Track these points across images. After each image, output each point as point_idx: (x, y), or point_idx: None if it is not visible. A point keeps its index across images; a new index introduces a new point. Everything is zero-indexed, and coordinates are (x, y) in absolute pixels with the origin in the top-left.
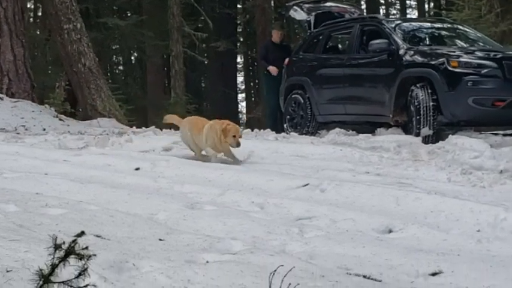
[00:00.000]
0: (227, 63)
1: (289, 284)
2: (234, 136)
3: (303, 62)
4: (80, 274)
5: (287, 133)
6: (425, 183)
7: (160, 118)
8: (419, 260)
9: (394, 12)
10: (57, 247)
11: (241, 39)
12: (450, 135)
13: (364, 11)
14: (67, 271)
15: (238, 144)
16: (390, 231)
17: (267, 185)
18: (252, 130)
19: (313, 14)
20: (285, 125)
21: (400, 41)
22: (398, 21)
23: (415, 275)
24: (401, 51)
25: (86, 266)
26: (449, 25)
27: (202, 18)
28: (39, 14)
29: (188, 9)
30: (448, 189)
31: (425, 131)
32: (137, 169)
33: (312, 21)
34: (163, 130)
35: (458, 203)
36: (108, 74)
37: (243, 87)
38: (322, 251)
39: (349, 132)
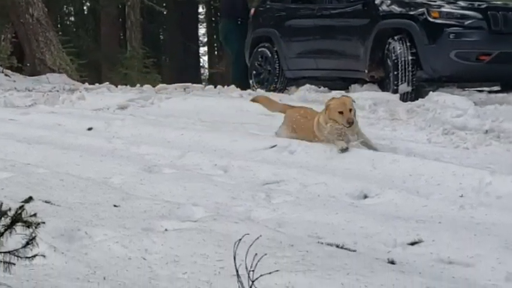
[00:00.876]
0: (187, 14)
1: (256, 254)
2: (341, 112)
3: (270, 13)
4: (27, 243)
5: (253, 90)
6: (404, 144)
7: (115, 73)
8: (397, 228)
9: None
10: (2, 214)
11: None
12: (431, 92)
13: None
14: (13, 240)
15: (349, 122)
16: (365, 196)
17: (231, 146)
18: (215, 86)
19: None
20: (250, 81)
21: None
22: None
23: (392, 244)
24: (377, 1)
25: (34, 235)
26: None
27: None
28: None
29: None
30: (429, 151)
31: (404, 87)
32: (90, 129)
33: None
34: (119, 87)
35: (439, 165)
36: (58, 26)
37: (205, 39)
38: (291, 218)
39: (321, 88)
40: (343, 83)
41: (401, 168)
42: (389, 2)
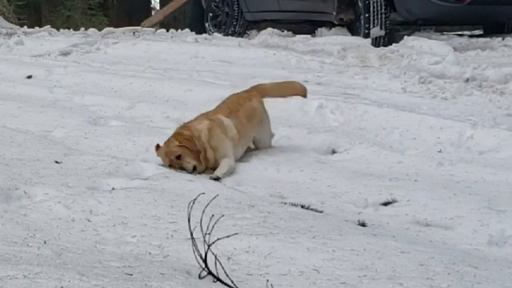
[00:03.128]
0: None
1: (212, 215)
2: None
3: None
4: None
5: (209, 34)
6: (376, 94)
7: (57, 15)
8: (369, 186)
9: None
10: None
11: None
12: (406, 37)
13: None
14: None
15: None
16: (333, 151)
17: (184, 96)
18: (168, 30)
19: None
20: (206, 24)
21: None
22: None
23: (363, 205)
24: None
25: None
26: None
27: None
28: None
29: None
30: (404, 101)
31: (376, 31)
32: (29, 77)
33: None
34: (61, 30)
35: (415, 118)
36: None
37: None
38: (251, 176)
39: (284, 32)
40: (309, 26)
41: (373, 121)
42: None
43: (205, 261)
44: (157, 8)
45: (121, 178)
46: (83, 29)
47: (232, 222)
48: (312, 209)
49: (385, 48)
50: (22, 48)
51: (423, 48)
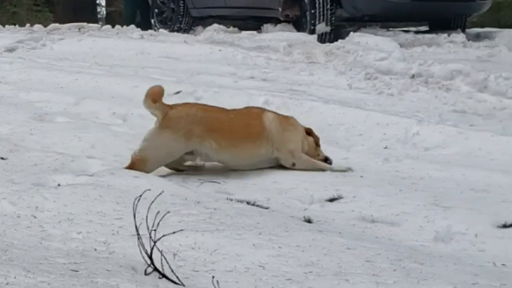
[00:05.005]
0: None
1: (158, 211)
2: None
3: None
4: None
5: (155, 30)
6: (322, 90)
7: (2, 11)
8: (315, 183)
9: None
10: None
11: None
12: (351, 33)
13: None
14: None
15: None
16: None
17: (131, 92)
18: (113, 26)
19: None
20: (152, 21)
21: None
22: None
23: (309, 201)
24: None
25: None
26: None
27: None
28: None
29: None
30: (350, 98)
31: (322, 27)
32: None
33: None
34: (6, 26)
35: (361, 114)
36: None
37: None
38: (197, 172)
39: (230, 29)
40: (255, 22)
41: (319, 117)
42: None
43: (151, 257)
44: (103, 4)
45: (67, 174)
46: (28, 25)
47: (178, 218)
48: (258, 206)
49: (331, 44)
50: None
51: (369, 45)
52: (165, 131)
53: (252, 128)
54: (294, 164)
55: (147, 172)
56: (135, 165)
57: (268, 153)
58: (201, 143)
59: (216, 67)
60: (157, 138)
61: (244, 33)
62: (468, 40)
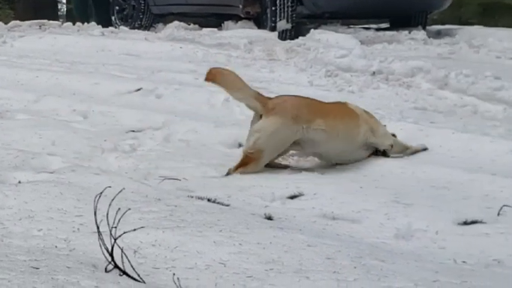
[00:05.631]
0: None
1: (119, 209)
2: None
3: None
4: None
5: (116, 27)
6: (283, 87)
7: None
8: (276, 180)
9: None
10: None
11: None
12: (312, 30)
13: None
14: None
15: None
16: (240, 145)
17: (91, 89)
18: (74, 23)
19: None
20: (113, 18)
21: None
22: None
23: (270, 198)
24: None
25: None
26: None
27: None
28: None
29: None
30: (310, 95)
31: (283, 24)
32: None
33: None
34: None
35: None
36: None
37: None
38: (158, 169)
39: (191, 26)
40: (215, 19)
41: None
42: None
43: (111, 254)
44: (64, 1)
45: (27, 171)
46: None
47: (139, 215)
48: (218, 203)
49: (292, 41)
50: None
51: (330, 42)
52: (274, 117)
53: (351, 112)
54: (391, 146)
55: (261, 167)
56: (250, 159)
57: (366, 137)
58: (309, 126)
59: (176, 64)
60: (269, 126)
61: (205, 30)
62: (429, 37)
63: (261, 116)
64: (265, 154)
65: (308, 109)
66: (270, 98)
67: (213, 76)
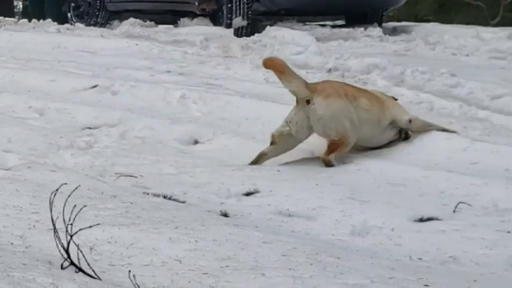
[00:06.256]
0: None
1: (75, 205)
2: None
3: None
4: None
5: (72, 24)
6: (239, 84)
7: None
8: (231, 177)
9: None
10: None
11: None
12: (268, 27)
13: None
14: None
15: None
16: (196, 142)
17: (47, 86)
18: (30, 20)
19: None
20: (69, 15)
21: None
22: None
23: (225, 195)
24: None
25: None
26: None
27: None
28: None
29: None
30: (266, 92)
31: (238, 21)
32: None
33: None
34: None
35: (278, 108)
36: None
37: None
38: (114, 167)
39: (147, 23)
40: (171, 16)
41: (235, 111)
42: None
43: (67, 251)
44: None
45: None
46: None
47: (95, 212)
48: (174, 200)
49: (248, 38)
50: None
51: (286, 39)
52: (331, 98)
53: (376, 94)
54: (410, 121)
55: (351, 145)
56: (338, 145)
57: (389, 116)
58: (358, 105)
59: (132, 61)
60: (340, 108)
61: (161, 27)
62: (385, 34)
63: (308, 102)
64: (351, 135)
65: (351, 90)
66: (314, 84)
67: (271, 63)
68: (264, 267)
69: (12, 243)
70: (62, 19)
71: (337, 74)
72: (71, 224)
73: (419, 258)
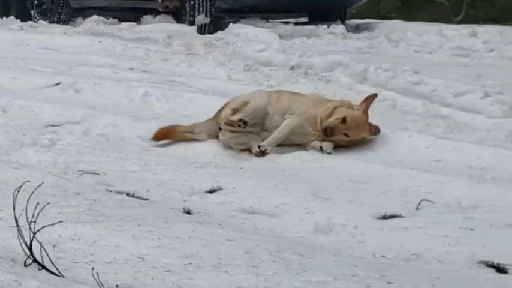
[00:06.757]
0: None
1: (38, 203)
2: None
3: None
4: None
5: (35, 21)
6: (202, 81)
7: None
8: (194, 174)
9: None
10: None
11: None
12: (231, 24)
13: None
14: None
15: None
16: None
17: (10, 83)
18: None
19: None
20: (32, 12)
21: None
22: None
23: (189, 192)
24: None
25: None
26: None
27: None
28: None
29: None
30: (229, 89)
31: (201, 18)
32: None
33: None
34: None
35: None
36: None
37: None
38: (77, 164)
39: (110, 20)
40: (134, 14)
41: (198, 108)
42: None
43: (30, 249)
44: None
45: None
46: None
47: (58, 210)
48: (137, 197)
49: (211, 35)
50: None
51: (249, 36)
52: None
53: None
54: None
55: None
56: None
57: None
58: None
59: (95, 58)
60: None
61: (124, 24)
62: (348, 31)
63: None
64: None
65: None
66: None
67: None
68: (227, 265)
69: None
70: (25, 16)
71: (300, 71)
72: (34, 222)
73: (383, 256)
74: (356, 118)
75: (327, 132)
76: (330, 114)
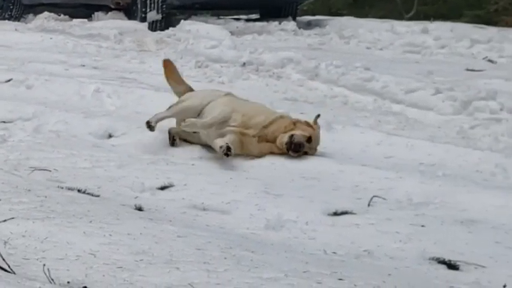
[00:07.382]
0: None
1: None
2: None
3: None
4: None
5: None
6: (153, 78)
7: None
8: (146, 170)
9: None
10: None
11: None
12: (182, 21)
13: None
14: None
15: None
16: (110, 136)
17: None
18: None
19: None
20: None
21: None
22: None
23: (140, 189)
24: None
25: None
26: None
27: None
28: None
29: None
30: None
31: (153, 15)
32: None
33: None
34: None
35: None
36: None
37: None
38: (28, 160)
39: (61, 17)
40: (85, 10)
41: (150, 105)
42: None
43: None
44: None
45: None
46: None
47: (9, 206)
48: (88, 193)
49: (162, 32)
50: None
51: (200, 33)
52: None
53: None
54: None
55: None
56: None
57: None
58: None
59: (47, 55)
60: None
61: (75, 21)
62: (299, 28)
63: None
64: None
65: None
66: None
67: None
68: (178, 261)
69: None
70: None
71: (252, 68)
72: None
73: (334, 252)
74: (316, 139)
75: (296, 148)
76: (291, 129)
